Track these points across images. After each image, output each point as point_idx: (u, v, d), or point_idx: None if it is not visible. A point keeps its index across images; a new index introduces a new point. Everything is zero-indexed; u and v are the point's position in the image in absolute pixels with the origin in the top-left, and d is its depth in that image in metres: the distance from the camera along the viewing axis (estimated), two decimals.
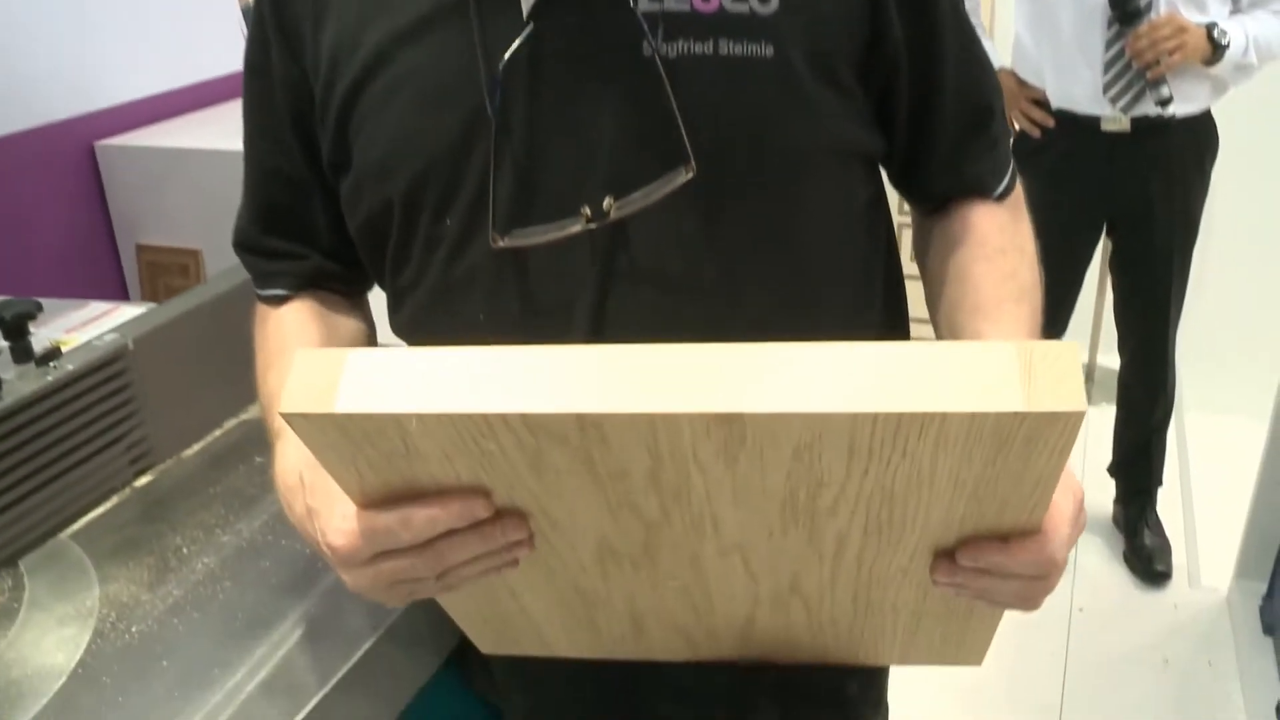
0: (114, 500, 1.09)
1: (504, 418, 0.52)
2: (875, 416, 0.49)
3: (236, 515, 1.04)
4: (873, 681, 0.91)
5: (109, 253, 2.11)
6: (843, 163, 0.76)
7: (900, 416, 0.49)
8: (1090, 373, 3.27)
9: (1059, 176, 2.31)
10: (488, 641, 0.81)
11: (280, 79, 0.80)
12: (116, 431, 1.09)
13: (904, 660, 0.83)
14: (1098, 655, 2.28)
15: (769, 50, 0.70)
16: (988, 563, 0.60)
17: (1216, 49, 2.10)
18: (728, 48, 0.70)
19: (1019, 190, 0.85)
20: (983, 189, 0.83)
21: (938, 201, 0.85)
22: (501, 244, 0.71)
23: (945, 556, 0.62)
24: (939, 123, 0.80)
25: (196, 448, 1.18)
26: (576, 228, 0.70)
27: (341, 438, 0.55)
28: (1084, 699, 2.19)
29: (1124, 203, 2.31)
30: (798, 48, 0.70)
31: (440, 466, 0.57)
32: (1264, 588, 2.32)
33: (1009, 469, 0.53)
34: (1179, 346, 2.48)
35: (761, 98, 0.71)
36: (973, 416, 0.49)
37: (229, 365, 1.21)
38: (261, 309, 0.88)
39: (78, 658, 0.86)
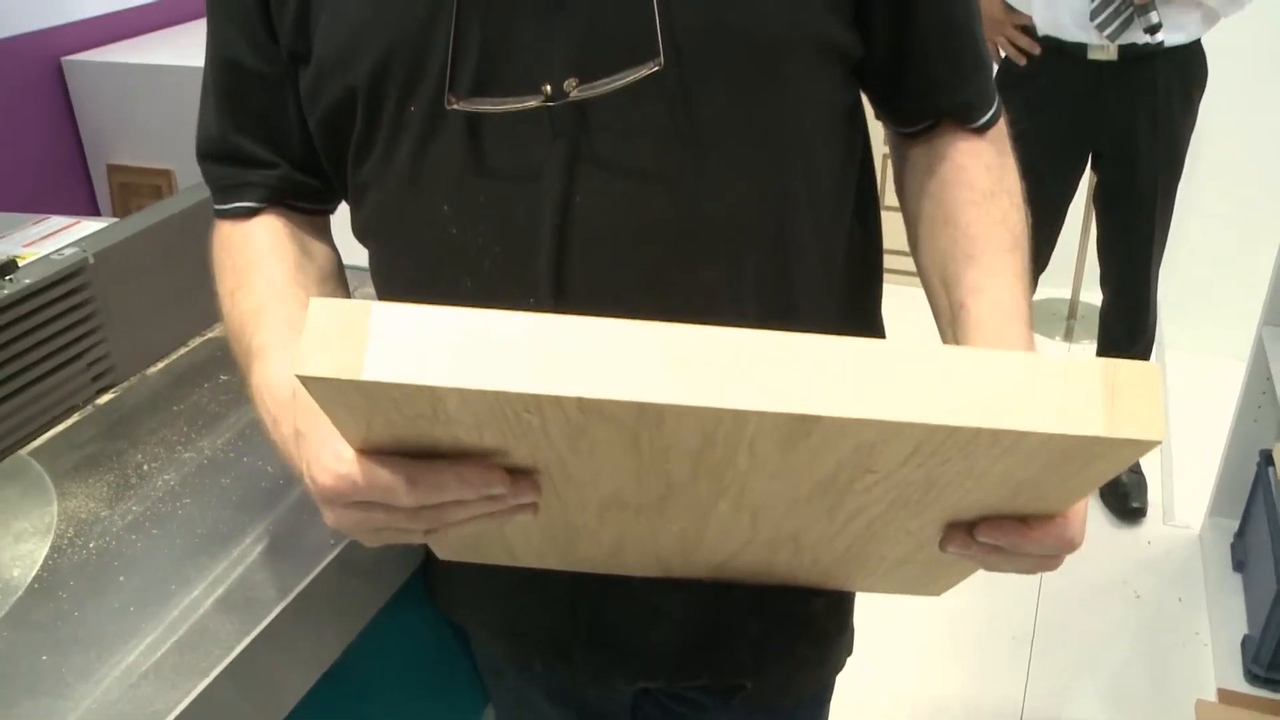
0: (75, 418, 1.07)
1: (558, 399, 0.47)
2: (956, 429, 0.48)
3: (199, 432, 1.03)
4: (839, 603, 0.91)
5: (80, 173, 2.07)
6: (821, 61, 0.74)
7: (980, 431, 0.48)
8: (1073, 309, 3.26)
9: (1044, 106, 2.28)
10: (447, 550, 0.80)
11: None
12: (77, 348, 1.07)
13: (869, 589, 0.83)
14: (1071, 587, 2.31)
15: None
16: (1007, 542, 0.60)
17: None
18: None
19: (1003, 124, 0.83)
20: (967, 116, 0.80)
21: (920, 125, 0.82)
22: (456, 106, 0.69)
23: (961, 529, 0.61)
24: (918, 30, 0.77)
25: (161, 365, 1.17)
26: (534, 102, 0.68)
27: (362, 401, 0.50)
28: (1056, 629, 2.21)
29: (1109, 134, 2.28)
30: None
31: (466, 432, 0.53)
32: (1236, 525, 2.34)
33: (1062, 474, 0.53)
34: (1163, 286, 2.47)
35: None
36: (1051, 437, 0.48)
37: (195, 282, 1.18)
38: (224, 227, 0.85)
39: (34, 573, 0.85)
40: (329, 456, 0.57)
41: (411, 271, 0.76)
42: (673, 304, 0.68)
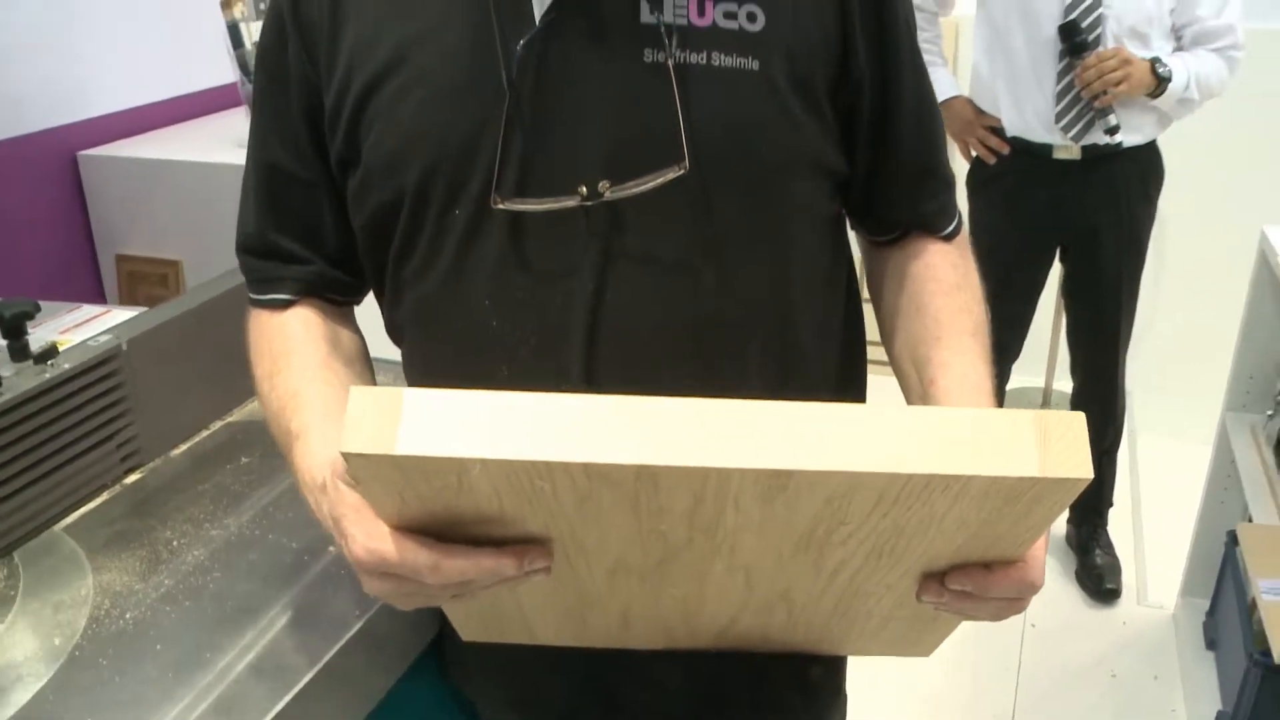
0: (105, 496, 1.13)
1: (566, 465, 0.55)
2: (910, 476, 0.55)
3: (224, 511, 1.09)
4: (834, 670, 0.97)
5: (88, 262, 2.14)
6: (815, 177, 0.83)
7: (931, 477, 0.55)
8: (1046, 397, 3.36)
9: (1013, 203, 2.41)
10: (471, 631, 0.85)
11: (297, 76, 0.84)
12: (109, 429, 1.13)
13: (861, 651, 0.88)
14: (1049, 668, 2.36)
15: (755, 64, 0.77)
16: (974, 586, 0.67)
17: (1160, 82, 2.22)
18: (719, 59, 0.77)
19: (965, 232, 0.93)
20: (935, 226, 0.90)
21: (892, 234, 0.92)
22: (501, 206, 0.77)
23: (933, 579, 0.68)
24: (897, 153, 0.87)
25: (184, 448, 1.23)
26: (572, 202, 0.76)
27: (396, 474, 0.57)
28: (1034, 709, 2.25)
29: (1074, 229, 2.41)
30: (780, 66, 0.78)
31: (487, 500, 0.59)
32: (1207, 604, 2.40)
33: (1012, 516, 0.60)
34: (1135, 371, 2.57)
35: (752, 106, 0.78)
36: (994, 480, 0.55)
37: (216, 369, 1.25)
38: (258, 315, 0.91)
39: (75, 641, 0.90)
40: (363, 535, 0.65)
41: (451, 360, 0.84)
42: (688, 385, 0.76)
